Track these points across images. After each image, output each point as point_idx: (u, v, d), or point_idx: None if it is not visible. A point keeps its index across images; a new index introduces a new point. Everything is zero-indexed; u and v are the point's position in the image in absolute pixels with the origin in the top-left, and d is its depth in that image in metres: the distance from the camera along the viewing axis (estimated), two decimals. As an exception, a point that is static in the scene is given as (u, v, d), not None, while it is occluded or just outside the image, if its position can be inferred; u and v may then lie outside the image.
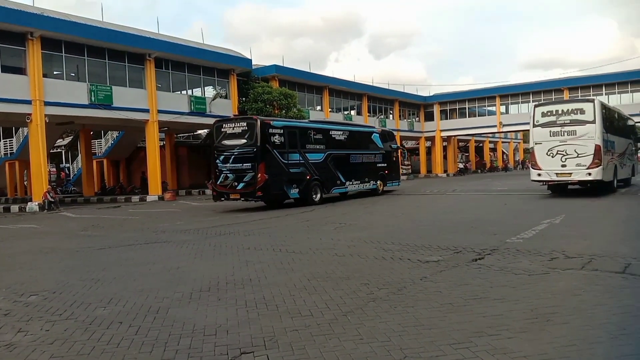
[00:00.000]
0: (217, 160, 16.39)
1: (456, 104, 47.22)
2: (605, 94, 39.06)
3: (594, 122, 15.31)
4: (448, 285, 5.33)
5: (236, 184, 16.02)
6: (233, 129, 16.18)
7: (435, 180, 37.60)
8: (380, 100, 42.71)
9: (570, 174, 15.50)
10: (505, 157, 63.37)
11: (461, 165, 49.66)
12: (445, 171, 48.11)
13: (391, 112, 45.34)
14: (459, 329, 4.05)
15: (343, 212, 14.16)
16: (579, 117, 15.50)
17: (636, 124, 20.53)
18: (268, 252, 7.80)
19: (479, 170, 53.22)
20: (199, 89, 27.66)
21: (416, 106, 48.21)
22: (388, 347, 3.78)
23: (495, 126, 44.52)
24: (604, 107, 16.38)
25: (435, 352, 3.66)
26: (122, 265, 7.27)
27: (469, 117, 47.07)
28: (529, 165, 17.30)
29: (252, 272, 6.35)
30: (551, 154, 15.71)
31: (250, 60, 28.92)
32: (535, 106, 16.48)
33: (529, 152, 71.46)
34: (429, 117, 48.59)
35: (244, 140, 15.92)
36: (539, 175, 16.02)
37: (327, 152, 18.36)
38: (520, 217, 11.08)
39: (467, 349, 3.69)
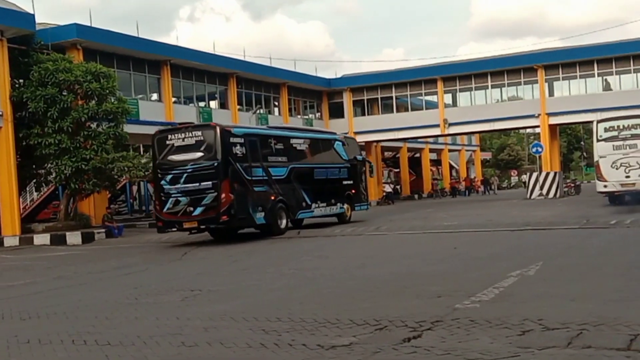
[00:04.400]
0: (163, 181, 19.99)
1: (377, 90, 49.18)
2: (598, 75, 42.94)
3: None
4: (366, 385, 5.37)
5: (192, 208, 19.52)
6: (184, 141, 19.79)
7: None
8: (259, 84, 43.28)
9: (634, 184, 25.81)
10: (454, 173, 66.85)
11: (388, 188, 51.54)
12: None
13: (276, 103, 45.97)
14: None
15: (198, 271, 14.12)
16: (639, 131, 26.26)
17: None
18: (63, 346, 7.41)
19: (415, 196, 55.51)
20: None
21: (316, 94, 49.43)
22: None
23: (437, 126, 46.86)
24: None
25: None
26: None
27: (397, 111, 49.27)
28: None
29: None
30: (615, 167, 26.11)
31: (33, 16, 27.88)
32: (598, 122, 27.75)
33: (490, 163, 76.30)
34: (337, 111, 50.01)
35: (199, 154, 19.61)
36: (605, 186, 26.74)
37: (291, 166, 22.81)
38: (477, 267, 11.60)
39: None
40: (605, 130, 26.90)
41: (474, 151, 70.76)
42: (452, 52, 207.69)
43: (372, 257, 14.81)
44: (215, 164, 19.37)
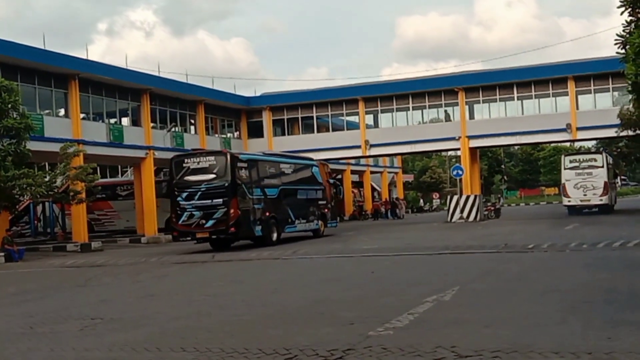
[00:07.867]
0: (179, 198, 24.73)
1: (298, 110, 49.27)
2: (518, 98, 44.08)
3: (603, 167, 39.81)
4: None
5: (204, 221, 24.24)
6: (198, 164, 24.81)
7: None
8: (174, 101, 42.83)
9: (589, 200, 39.54)
10: (376, 195, 67.54)
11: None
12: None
13: (193, 121, 45.58)
14: None
15: (101, 297, 13.79)
16: (593, 163, 39.88)
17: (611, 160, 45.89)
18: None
19: (337, 218, 55.75)
20: None
21: (235, 112, 49.25)
22: None
23: (359, 147, 47.27)
24: (607, 156, 42.22)
25: None
26: None
27: (318, 131, 49.43)
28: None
29: None
30: (576, 187, 39.46)
31: None
32: (564, 155, 43.44)
33: (412, 186, 77.61)
34: (256, 130, 49.92)
35: (212, 175, 24.46)
36: (569, 201, 40.24)
37: (281, 188, 28.17)
38: (394, 293, 11.67)
39: None
40: (570, 161, 40.69)
41: (396, 173, 71.69)
42: (375, 72, 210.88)
43: (287, 282, 14.79)
44: (226, 185, 24.32)
